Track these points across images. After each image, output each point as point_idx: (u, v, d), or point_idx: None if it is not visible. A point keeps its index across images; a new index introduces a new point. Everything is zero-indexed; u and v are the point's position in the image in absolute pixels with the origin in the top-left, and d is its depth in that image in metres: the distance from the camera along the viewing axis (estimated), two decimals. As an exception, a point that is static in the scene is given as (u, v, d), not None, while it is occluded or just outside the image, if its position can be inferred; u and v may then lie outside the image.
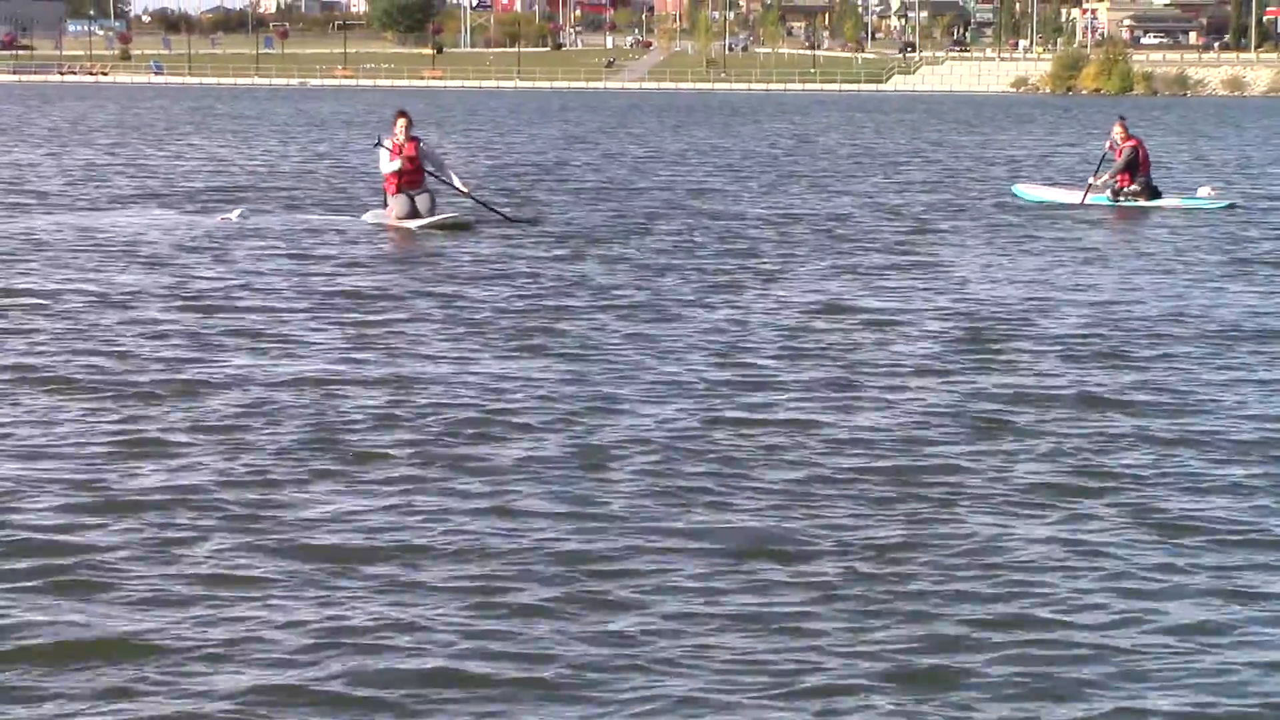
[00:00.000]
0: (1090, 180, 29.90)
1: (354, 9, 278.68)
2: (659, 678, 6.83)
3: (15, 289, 17.45)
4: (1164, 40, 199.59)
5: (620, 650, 7.10)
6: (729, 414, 11.70)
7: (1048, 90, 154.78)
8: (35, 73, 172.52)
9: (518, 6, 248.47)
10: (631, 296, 17.52)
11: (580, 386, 12.60)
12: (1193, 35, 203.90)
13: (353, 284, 18.19)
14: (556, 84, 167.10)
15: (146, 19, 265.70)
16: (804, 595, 7.85)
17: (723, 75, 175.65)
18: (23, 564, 8.14)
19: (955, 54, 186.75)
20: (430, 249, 21.70)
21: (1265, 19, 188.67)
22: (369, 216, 25.00)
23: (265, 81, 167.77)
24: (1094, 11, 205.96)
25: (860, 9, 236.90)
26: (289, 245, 22.02)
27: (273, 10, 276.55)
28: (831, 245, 23.12)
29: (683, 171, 39.52)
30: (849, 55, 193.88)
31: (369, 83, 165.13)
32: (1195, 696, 6.74)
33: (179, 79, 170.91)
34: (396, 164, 23.95)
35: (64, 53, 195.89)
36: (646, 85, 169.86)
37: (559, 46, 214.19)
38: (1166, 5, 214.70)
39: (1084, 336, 15.28)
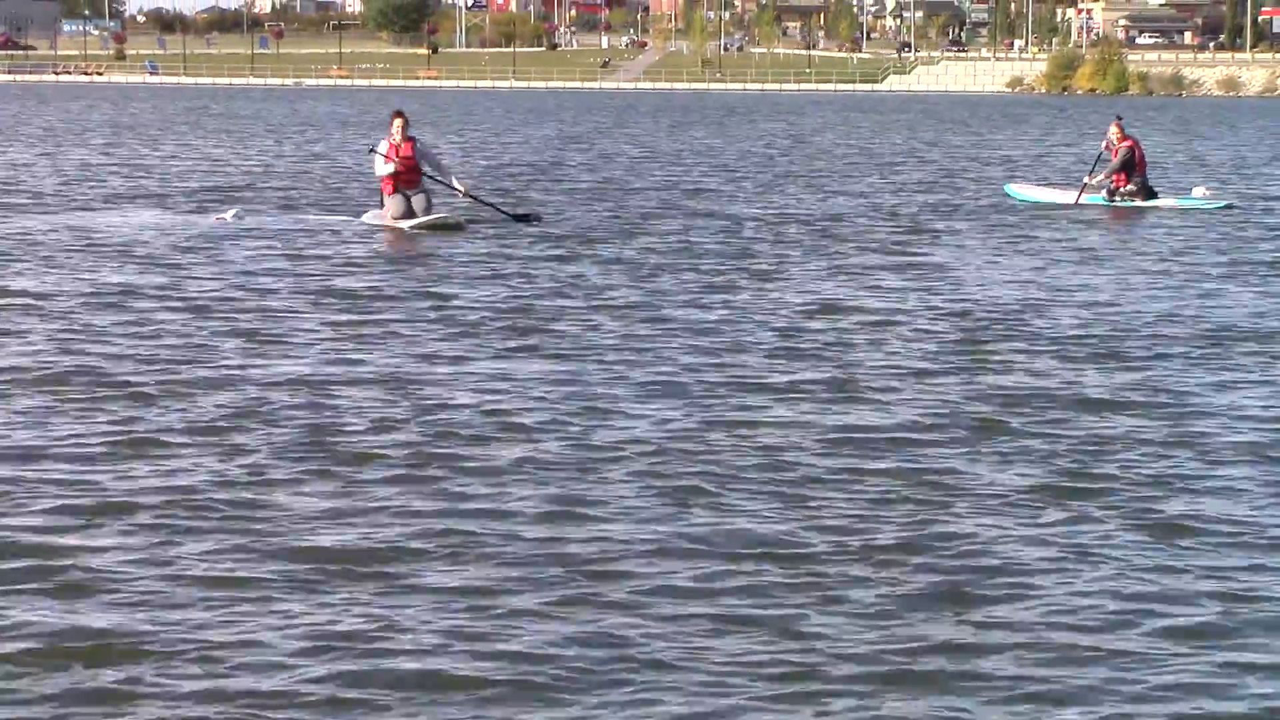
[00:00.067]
0: (1085, 180, 29.90)
1: (349, 9, 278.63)
2: (655, 680, 6.81)
3: (9, 289, 17.42)
4: (1159, 40, 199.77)
5: (616, 652, 7.09)
6: (725, 415, 11.69)
7: (1043, 90, 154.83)
8: (30, 72, 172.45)
9: (513, 6, 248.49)
10: (627, 297, 17.51)
11: (576, 387, 12.59)
12: (1188, 35, 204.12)
13: (348, 284, 18.17)
14: (552, 84, 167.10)
15: (141, 19, 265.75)
16: (800, 596, 7.83)
17: (718, 75, 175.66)
18: (16, 565, 8.12)
19: (952, 54, 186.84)
20: (425, 249, 21.68)
21: (1260, 19, 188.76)
22: (368, 217, 24.97)
23: (260, 81, 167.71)
24: (1089, 11, 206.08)
25: (855, 9, 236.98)
26: (284, 245, 22.00)
27: (268, 10, 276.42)
28: (827, 246, 23.11)
29: (678, 172, 39.52)
30: (845, 55, 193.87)
31: (364, 83, 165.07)
32: (1192, 698, 6.73)
33: (174, 79, 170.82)
34: (390, 168, 23.93)
35: (59, 52, 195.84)
36: (642, 85, 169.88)
37: (554, 46, 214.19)
38: (1162, 5, 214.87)
39: (1081, 337, 15.27)
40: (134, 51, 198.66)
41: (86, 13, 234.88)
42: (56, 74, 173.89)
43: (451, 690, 6.68)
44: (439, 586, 7.89)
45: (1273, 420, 11.79)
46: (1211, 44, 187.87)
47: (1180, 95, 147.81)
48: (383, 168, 24.04)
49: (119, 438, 10.76)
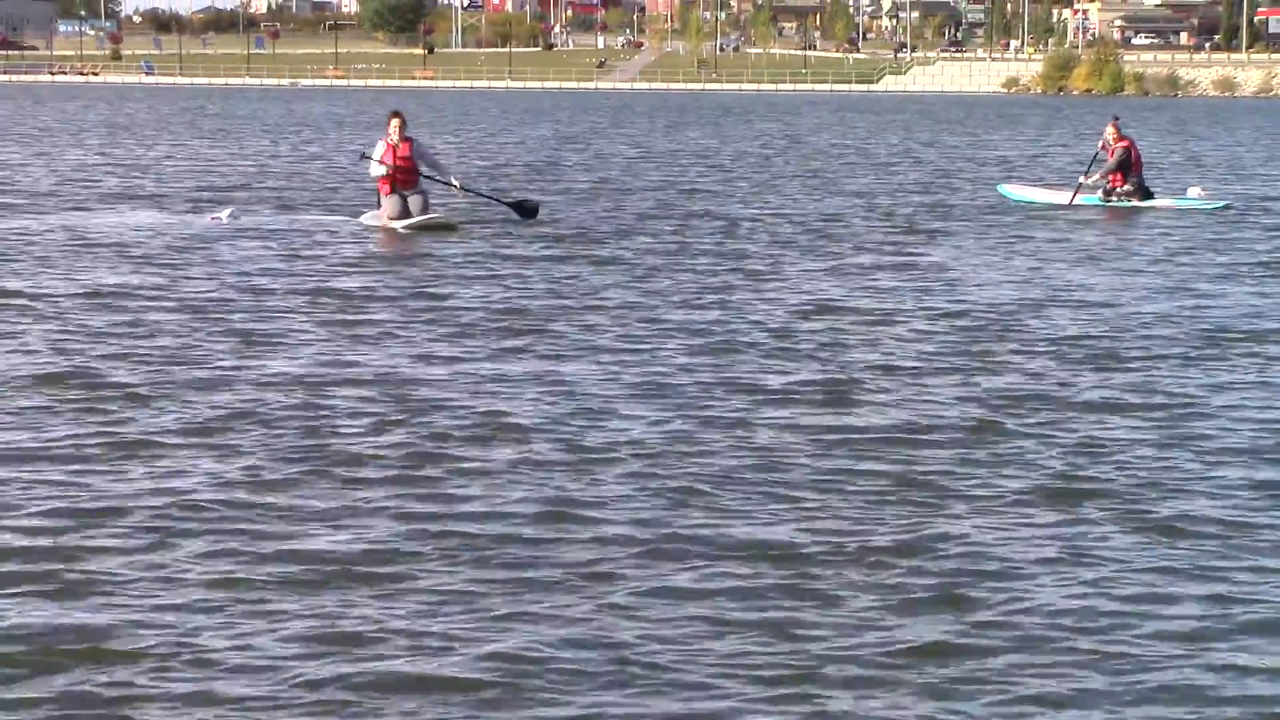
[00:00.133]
0: (1081, 179, 29.89)
1: (345, 9, 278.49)
2: (651, 682, 6.80)
3: (4, 289, 17.39)
4: (1155, 41, 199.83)
5: (612, 654, 7.07)
6: (720, 416, 11.67)
7: (1039, 91, 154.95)
8: (26, 73, 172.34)
9: (509, 7, 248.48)
10: (623, 297, 17.49)
11: (571, 388, 12.57)
12: (1184, 36, 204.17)
13: (342, 285, 18.14)
14: (548, 84, 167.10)
15: (137, 19, 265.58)
16: (796, 598, 7.82)
17: (714, 75, 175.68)
18: (9, 567, 8.10)
19: (951, 54, 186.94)
20: (420, 250, 21.65)
21: (1256, 20, 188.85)
22: (365, 218, 24.93)
23: (256, 82, 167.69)
24: (1085, 12, 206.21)
25: (851, 9, 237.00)
26: (279, 246, 21.98)
27: (264, 10, 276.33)
28: (823, 246, 23.09)
29: (674, 172, 39.50)
30: (841, 55, 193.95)
31: (360, 83, 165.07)
32: (1189, 700, 6.72)
33: (170, 79, 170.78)
34: (383, 169, 23.93)
35: (55, 53, 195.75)
36: (638, 85, 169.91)
37: (550, 47, 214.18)
38: (1158, 6, 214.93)
39: (1077, 338, 15.26)
40: (129, 52, 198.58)
41: (82, 13, 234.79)
42: (52, 74, 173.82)
43: (446, 692, 6.66)
44: (434, 588, 7.87)
45: (1269, 421, 11.78)
46: (1207, 44, 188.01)
47: (1176, 96, 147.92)
48: (377, 169, 24.02)
49: (113, 439, 10.73)
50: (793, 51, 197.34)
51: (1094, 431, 11.35)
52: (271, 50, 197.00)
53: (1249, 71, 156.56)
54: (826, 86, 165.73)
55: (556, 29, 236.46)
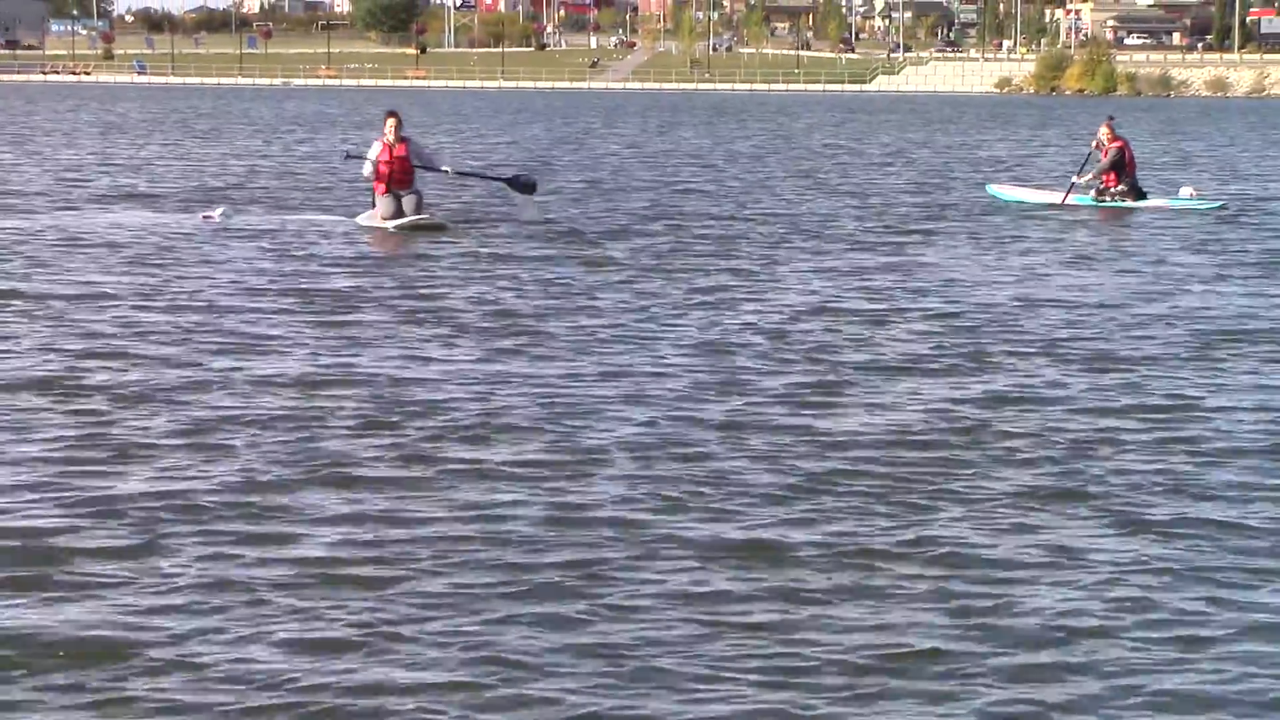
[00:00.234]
0: (1073, 179, 29.90)
1: (338, 9, 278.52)
2: (646, 684, 6.77)
3: (-4, 290, 17.36)
4: (1148, 41, 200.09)
5: (606, 656, 7.05)
6: (714, 417, 11.64)
7: (1031, 91, 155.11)
8: (18, 72, 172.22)
9: (501, 6, 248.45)
10: (616, 298, 17.46)
11: (564, 388, 12.54)
12: (1176, 36, 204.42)
13: (334, 285, 18.11)
14: (540, 84, 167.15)
15: (129, 18, 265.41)
16: (789, 600, 7.79)
17: (706, 75, 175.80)
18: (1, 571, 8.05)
19: (947, 54, 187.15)
20: (412, 250, 21.62)
21: (1248, 20, 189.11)
22: (361, 218, 24.88)
23: (249, 81, 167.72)
24: (1078, 12, 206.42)
25: (844, 9, 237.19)
26: (271, 245, 21.94)
27: (256, 10, 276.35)
28: (816, 246, 23.07)
29: (667, 172, 39.49)
30: (835, 55, 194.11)
31: (353, 83, 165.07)
32: (1184, 702, 6.70)
33: (162, 79, 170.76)
34: (369, 168, 23.94)
35: (47, 52, 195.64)
36: (630, 85, 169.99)
37: (543, 47, 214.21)
38: (1150, 6, 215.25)
39: (1072, 338, 15.24)
40: (122, 51, 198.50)
41: (75, 12, 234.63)
42: (44, 74, 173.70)
43: (439, 694, 6.62)
44: (426, 590, 7.84)
45: (1263, 422, 11.76)
46: (1200, 45, 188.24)
47: (1168, 96, 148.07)
48: (367, 168, 24.02)
49: (103, 439, 10.69)
50: (785, 51, 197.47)
51: (1087, 433, 11.32)
52: (264, 50, 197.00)
53: (1241, 72, 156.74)
54: (819, 87, 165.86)
55: (549, 29, 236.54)
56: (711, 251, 22.09)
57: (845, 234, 24.85)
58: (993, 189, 32.47)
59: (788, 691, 6.72)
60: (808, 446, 10.80)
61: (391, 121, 24.12)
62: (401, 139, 24.06)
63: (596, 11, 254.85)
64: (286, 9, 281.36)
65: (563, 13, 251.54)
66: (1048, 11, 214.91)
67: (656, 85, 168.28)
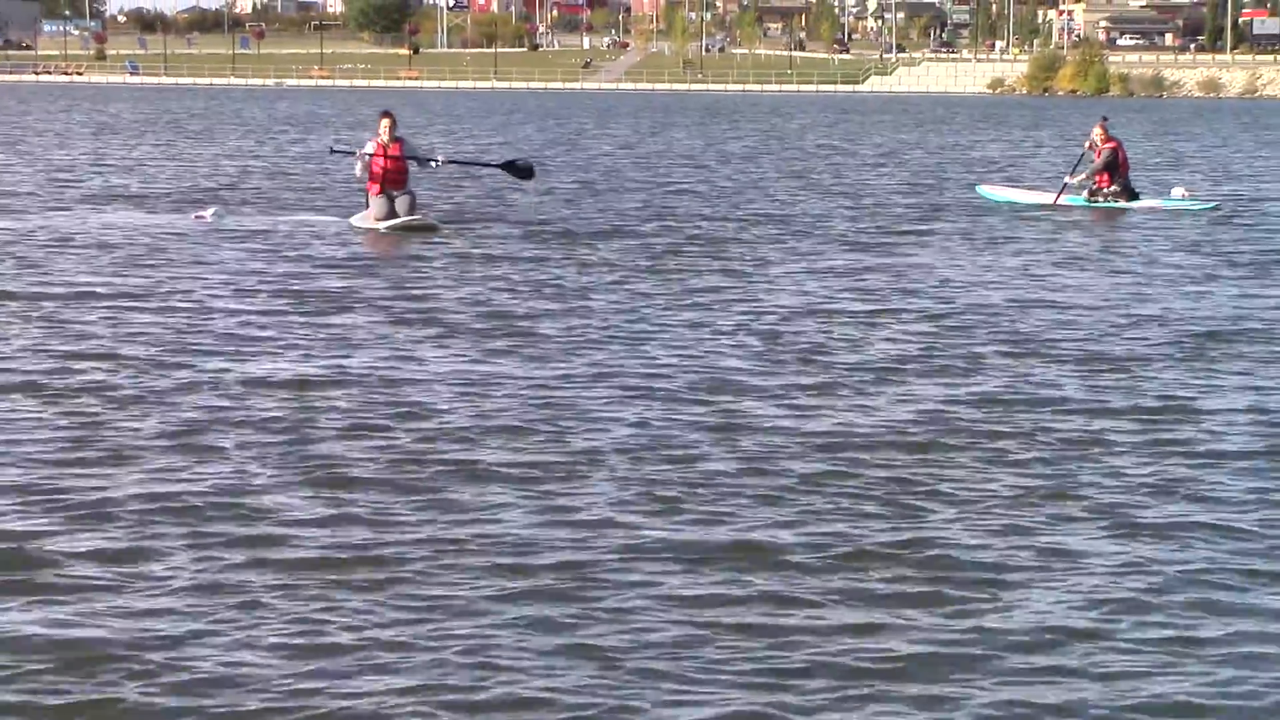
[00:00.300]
0: (1066, 179, 29.91)
1: (330, 9, 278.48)
2: (637, 686, 6.75)
3: (-14, 291, 17.32)
4: (1140, 41, 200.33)
5: (599, 658, 7.02)
6: (706, 418, 11.62)
7: (1024, 91, 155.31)
8: (11, 72, 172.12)
9: (494, 7, 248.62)
10: (608, 299, 17.44)
11: (557, 390, 12.51)
12: (1169, 37, 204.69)
13: (327, 286, 18.08)
14: (533, 84, 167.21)
15: (122, 19, 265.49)
16: (781, 603, 7.78)
17: (699, 76, 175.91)
18: (-10, 572, 8.03)
19: (941, 54, 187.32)
20: (404, 251, 21.60)
21: (1241, 21, 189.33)
22: (355, 219, 24.85)
23: (241, 81, 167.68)
24: (1070, 13, 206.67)
25: (837, 10, 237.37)
26: (263, 245, 21.91)
27: (249, 10, 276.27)
28: (808, 247, 23.05)
29: (660, 173, 39.48)
30: (828, 56, 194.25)
31: (345, 83, 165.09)
32: (1178, 706, 6.68)
33: (154, 79, 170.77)
34: (358, 167, 23.93)
35: (39, 52, 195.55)
36: (623, 86, 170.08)
37: (535, 47, 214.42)
38: (1143, 7, 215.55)
39: (1065, 339, 15.22)
40: (114, 51, 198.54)
41: (67, 13, 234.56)
42: (37, 74, 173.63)
43: (432, 695, 6.60)
44: (417, 592, 7.81)
45: (1257, 424, 11.75)
46: (1192, 45, 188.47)
47: (1161, 96, 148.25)
48: (359, 167, 24.00)
49: (94, 441, 10.66)
50: (778, 52, 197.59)
51: (1080, 434, 11.30)
52: (256, 50, 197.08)
53: (1234, 72, 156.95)
54: (812, 87, 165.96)
55: (542, 29, 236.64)
56: (704, 252, 22.07)
57: (838, 234, 24.83)
58: (983, 189, 32.47)
59: (778, 694, 6.70)
60: (800, 448, 10.78)
61: (386, 122, 24.09)
62: (396, 139, 24.04)
63: (589, 12, 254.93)
64: (279, 9, 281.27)
65: (555, 13, 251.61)
66: (1040, 12, 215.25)
67: (649, 86, 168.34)
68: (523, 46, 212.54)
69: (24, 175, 35.32)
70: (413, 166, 24.23)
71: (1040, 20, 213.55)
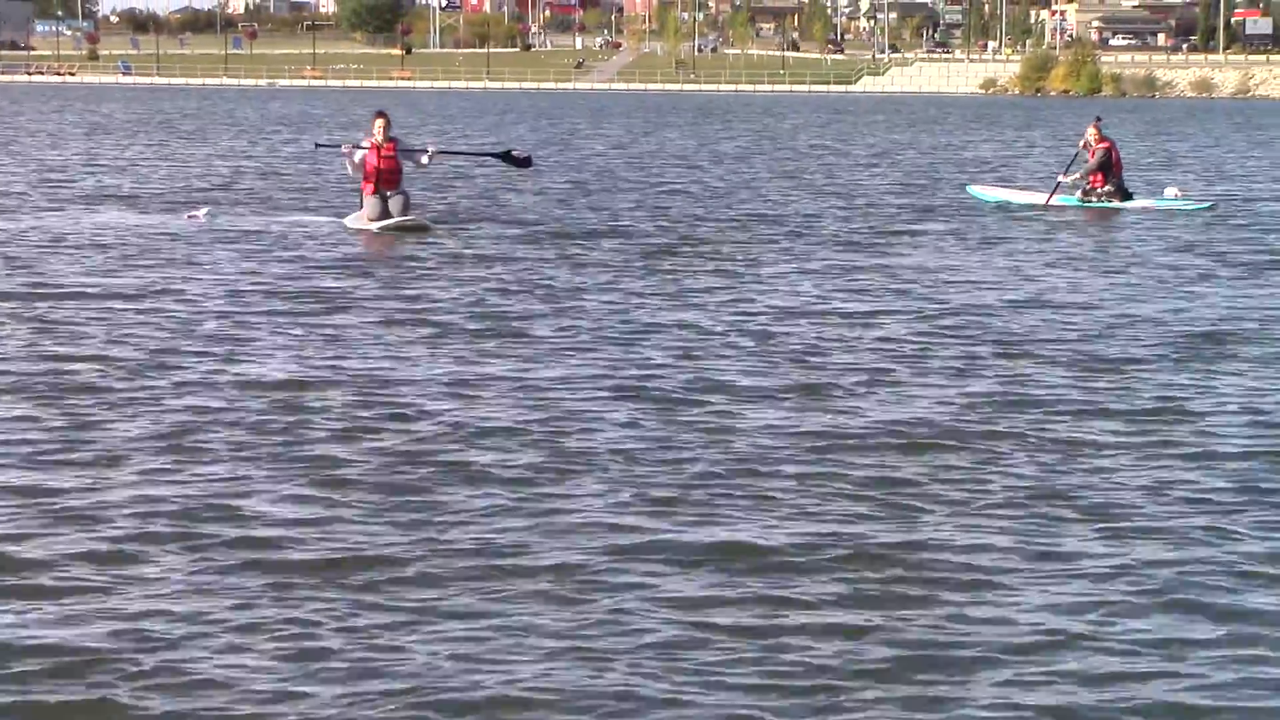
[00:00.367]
0: (1059, 178, 29.91)
1: (323, 9, 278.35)
2: (631, 688, 6.73)
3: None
4: (1133, 42, 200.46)
5: (594, 659, 7.01)
6: (699, 419, 11.61)
7: (1017, 91, 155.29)
8: (3, 73, 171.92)
9: (487, 7, 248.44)
10: (601, 299, 17.42)
11: (550, 390, 12.50)
12: (1161, 37, 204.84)
13: (320, 286, 18.05)
14: (526, 85, 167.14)
15: (114, 19, 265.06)
16: (774, 604, 7.77)
17: (692, 76, 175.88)
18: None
19: (936, 54, 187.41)
20: (397, 251, 21.58)
21: (1233, 21, 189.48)
22: (349, 220, 24.82)
23: (234, 82, 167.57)
24: (1063, 13, 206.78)
25: (829, 10, 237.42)
26: (256, 245, 21.89)
27: (241, 11, 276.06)
28: (801, 247, 23.05)
29: (653, 173, 39.47)
30: (820, 56, 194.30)
31: (338, 83, 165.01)
32: (1172, 710, 6.66)
33: (147, 79, 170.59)
34: (353, 167, 23.92)
35: (32, 52, 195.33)
36: (616, 86, 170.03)
37: (528, 47, 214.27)
38: (1135, 7, 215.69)
39: (1058, 339, 15.21)
40: (107, 52, 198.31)
41: (59, 13, 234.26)
42: (29, 74, 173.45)
43: (425, 698, 6.58)
44: (411, 595, 7.80)
45: (1253, 424, 11.74)
46: (1185, 45, 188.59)
47: (1153, 96, 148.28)
48: (356, 168, 23.99)
49: (86, 442, 10.64)
50: (771, 52, 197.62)
51: (1073, 434, 11.29)
52: (249, 50, 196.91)
53: (1226, 72, 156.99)
54: (805, 87, 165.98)
55: (534, 29, 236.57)
56: (696, 252, 22.06)
57: (830, 235, 24.83)
58: (974, 190, 32.46)
59: (771, 695, 6.69)
60: (794, 449, 10.77)
61: (380, 122, 24.07)
62: (390, 139, 24.02)
63: (582, 12, 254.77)
64: (271, 10, 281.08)
65: (548, 13, 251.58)
66: (1033, 12, 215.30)
67: (642, 86, 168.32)
68: (515, 47, 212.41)
69: (16, 175, 35.28)
70: (407, 166, 24.22)
71: (1033, 20, 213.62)
